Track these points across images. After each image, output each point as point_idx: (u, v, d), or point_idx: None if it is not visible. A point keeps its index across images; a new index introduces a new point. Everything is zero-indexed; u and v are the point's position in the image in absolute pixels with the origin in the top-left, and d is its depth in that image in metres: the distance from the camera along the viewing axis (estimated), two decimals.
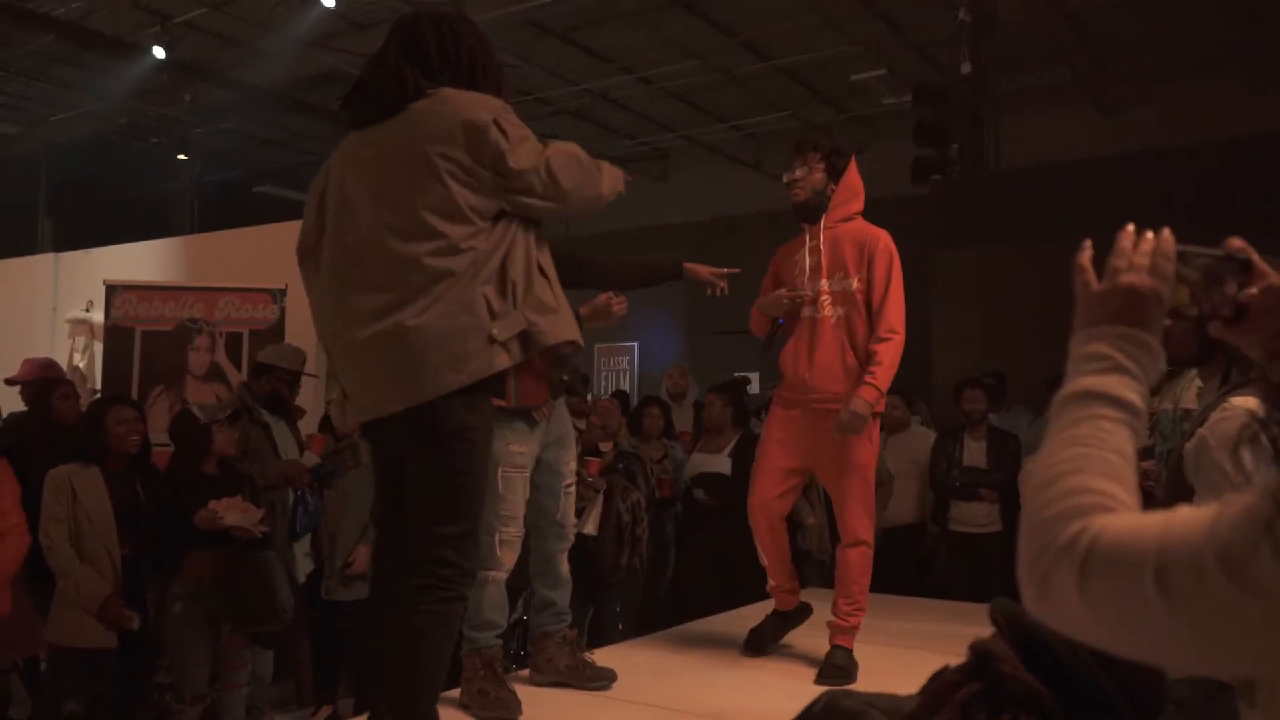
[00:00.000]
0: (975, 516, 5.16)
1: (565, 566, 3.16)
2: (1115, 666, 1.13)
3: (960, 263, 7.56)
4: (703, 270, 3.30)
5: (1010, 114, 10.08)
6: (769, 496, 3.36)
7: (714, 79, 11.60)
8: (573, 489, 3.16)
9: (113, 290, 5.61)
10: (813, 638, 3.47)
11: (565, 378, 3.15)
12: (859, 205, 3.34)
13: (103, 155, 13.82)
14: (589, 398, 5.35)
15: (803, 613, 3.49)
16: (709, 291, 3.30)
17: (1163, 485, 2.67)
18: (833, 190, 3.30)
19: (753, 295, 3.53)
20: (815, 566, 4.95)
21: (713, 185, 13.93)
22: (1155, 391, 3.67)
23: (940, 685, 1.20)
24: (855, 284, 3.21)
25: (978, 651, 1.17)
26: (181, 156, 14.09)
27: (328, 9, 9.53)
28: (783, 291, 3.31)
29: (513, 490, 2.93)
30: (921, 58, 10.60)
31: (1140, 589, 0.77)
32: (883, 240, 3.24)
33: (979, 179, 8.47)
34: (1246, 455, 1.79)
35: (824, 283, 3.24)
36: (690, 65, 11.12)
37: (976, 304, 7.45)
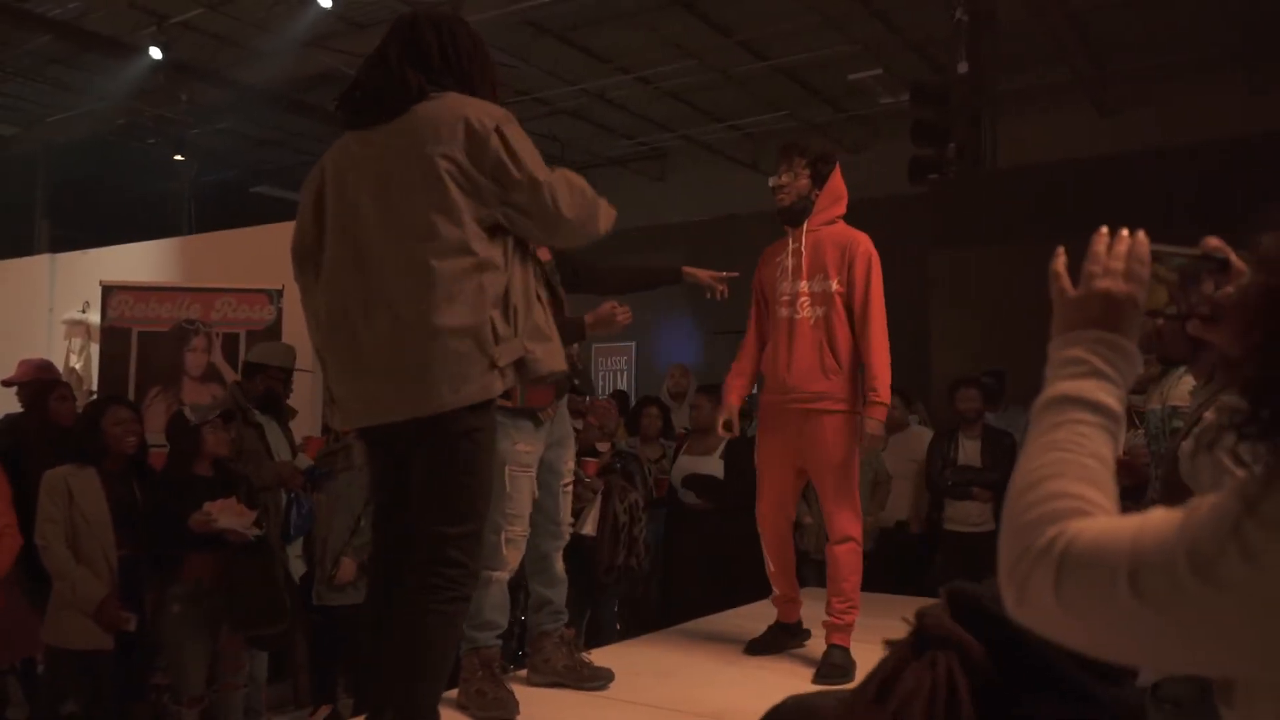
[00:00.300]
0: (969, 515, 5.16)
1: (561, 565, 3.17)
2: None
3: (958, 262, 7.56)
4: (702, 274, 3.31)
5: (1009, 114, 10.09)
6: (775, 504, 3.43)
7: (712, 79, 11.60)
8: (570, 489, 3.18)
9: (109, 291, 5.60)
10: (810, 637, 3.47)
11: (577, 381, 3.16)
12: (842, 210, 3.40)
13: (100, 156, 13.80)
14: (587, 399, 5.34)
15: (803, 631, 3.50)
16: (709, 295, 3.31)
17: (1156, 485, 2.67)
18: (816, 195, 3.36)
19: (748, 294, 3.54)
20: (813, 566, 4.94)
21: (711, 185, 13.92)
22: (1142, 391, 3.69)
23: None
24: (835, 286, 3.27)
25: (917, 615, 1.18)
26: (178, 157, 14.07)
27: (325, 9, 9.51)
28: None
29: (519, 489, 2.93)
30: (919, 57, 10.60)
31: (1114, 591, 0.77)
32: (863, 244, 3.30)
33: (977, 179, 8.47)
34: (1247, 455, 1.79)
35: (803, 284, 3.29)
36: (688, 65, 11.11)
37: (974, 303, 7.45)
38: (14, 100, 12.70)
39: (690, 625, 3.98)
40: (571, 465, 3.19)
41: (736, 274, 3.32)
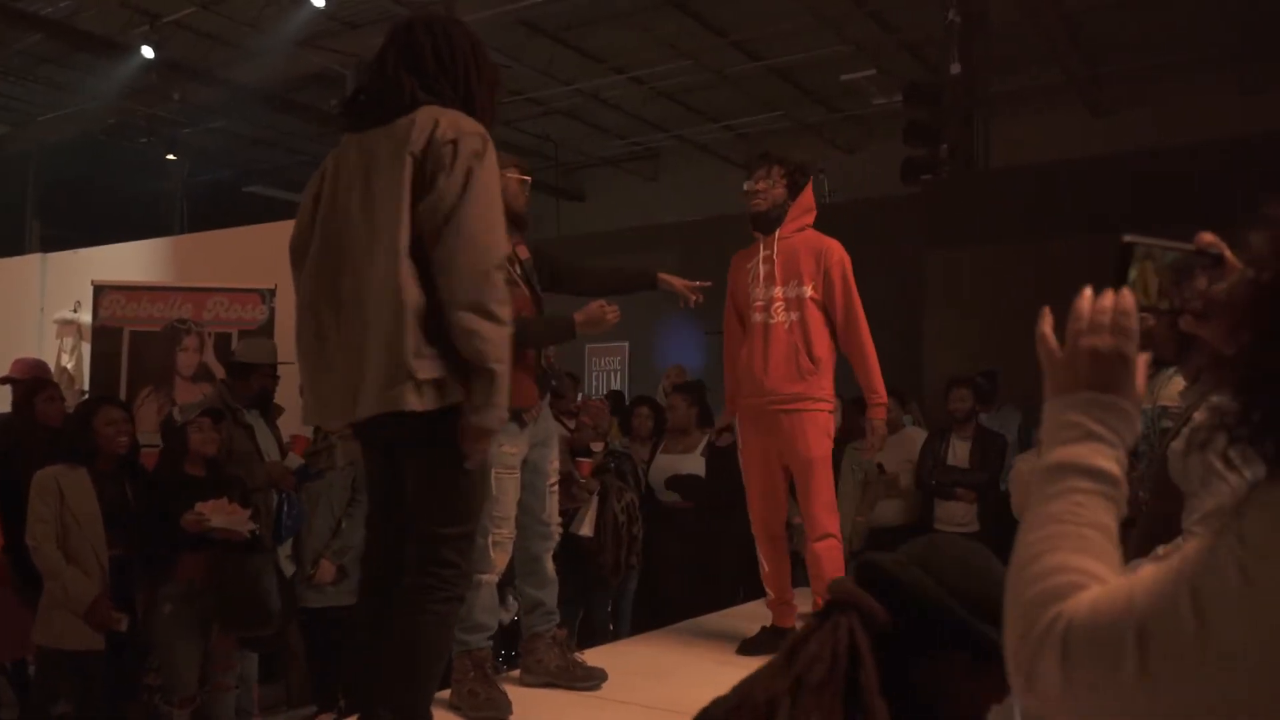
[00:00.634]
0: (955, 516, 5.18)
1: (551, 566, 3.17)
2: (971, 596, 1.16)
3: (951, 262, 7.57)
4: (677, 282, 3.30)
5: (1001, 114, 10.12)
6: (766, 505, 3.48)
7: (705, 79, 11.61)
8: (556, 488, 3.19)
9: (100, 290, 5.58)
10: None
11: (554, 383, 3.16)
12: (811, 219, 3.48)
13: (91, 155, 13.76)
14: (579, 397, 5.34)
15: None
16: (682, 304, 3.31)
17: (1146, 485, 2.67)
18: (789, 205, 3.42)
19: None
20: (804, 567, 4.94)
21: (704, 185, 13.92)
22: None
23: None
24: (810, 291, 3.34)
25: (828, 585, 1.23)
26: (170, 156, 14.04)
27: (317, 8, 9.50)
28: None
29: (505, 491, 2.94)
30: (913, 58, 10.62)
31: (1123, 655, 0.75)
32: (837, 250, 3.38)
33: (970, 179, 8.49)
34: (1238, 454, 1.79)
35: (777, 289, 3.36)
36: (682, 65, 11.12)
37: (967, 303, 7.46)
38: (5, 99, 12.67)
39: (684, 626, 3.98)
40: (556, 465, 3.20)
41: (710, 284, 3.33)
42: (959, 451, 5.25)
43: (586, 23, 10.25)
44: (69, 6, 9.90)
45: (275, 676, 4.75)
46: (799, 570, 4.71)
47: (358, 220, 2.27)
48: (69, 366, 6.99)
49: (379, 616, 2.37)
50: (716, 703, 1.26)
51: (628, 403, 6.47)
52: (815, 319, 3.35)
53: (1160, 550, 1.94)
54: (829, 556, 3.34)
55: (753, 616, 3.76)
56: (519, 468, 2.99)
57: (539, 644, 3.11)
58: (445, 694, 2.87)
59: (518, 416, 2.95)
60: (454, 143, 2.19)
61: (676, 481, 5.06)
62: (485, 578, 2.91)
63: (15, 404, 4.84)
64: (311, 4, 9.42)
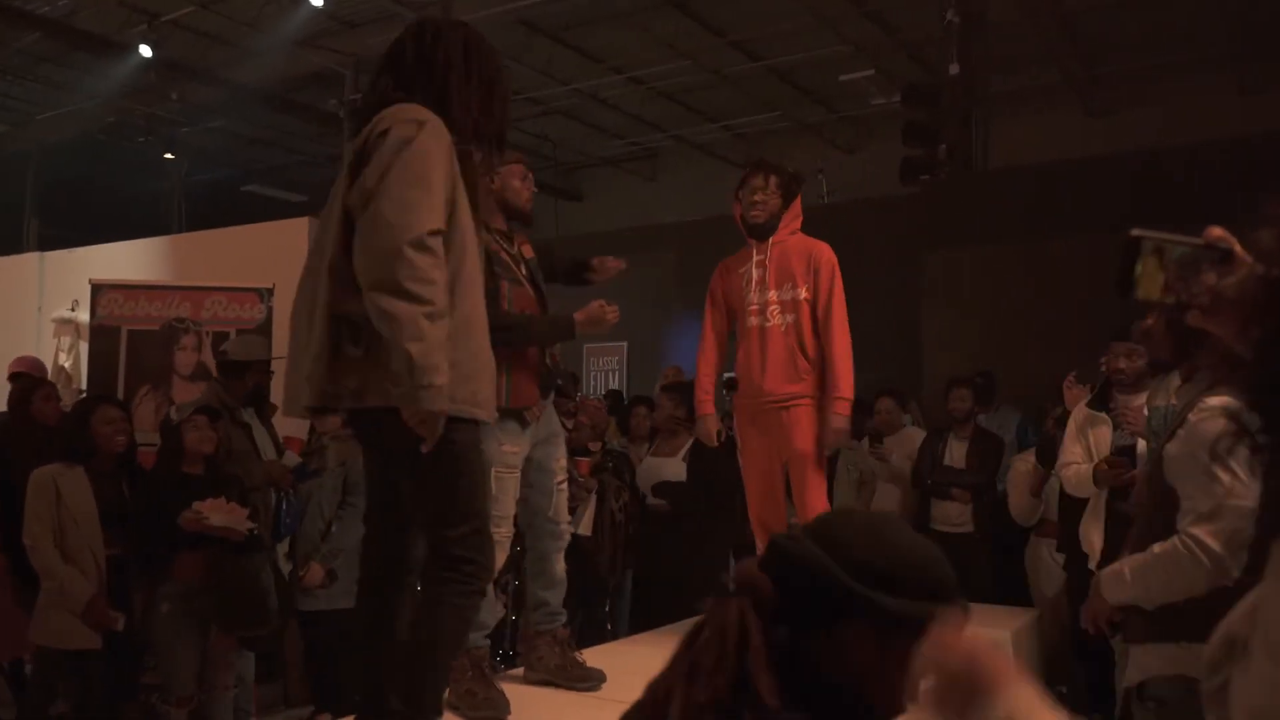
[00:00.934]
0: (950, 516, 5.18)
1: (561, 566, 3.16)
2: (869, 565, 1.15)
3: (950, 263, 7.57)
4: (593, 310, 3.14)
5: (1001, 115, 10.12)
6: (767, 503, 3.52)
7: (705, 79, 11.61)
8: (564, 486, 3.16)
9: (98, 289, 5.57)
10: None
11: (560, 381, 3.15)
12: (799, 224, 3.56)
13: (90, 154, 13.75)
14: (578, 397, 5.33)
15: None
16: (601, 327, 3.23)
17: (1145, 484, 2.67)
18: (783, 213, 3.51)
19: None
20: None
21: (703, 185, 13.91)
22: (1130, 383, 3.70)
23: None
24: (803, 293, 3.41)
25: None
26: (169, 156, 14.04)
27: (316, 7, 9.49)
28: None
29: (505, 490, 2.94)
30: (911, 58, 10.62)
31: None
32: (826, 253, 3.45)
33: (968, 179, 8.49)
34: (1231, 455, 1.79)
35: (772, 293, 3.43)
36: (681, 65, 11.12)
37: (966, 304, 7.46)
38: (3, 98, 12.65)
39: (681, 626, 3.97)
40: (563, 463, 3.18)
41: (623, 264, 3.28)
42: (956, 452, 5.26)
43: (585, 23, 10.25)
44: (67, 5, 9.89)
45: (273, 676, 4.75)
46: None
47: (322, 224, 2.30)
48: (67, 365, 6.99)
49: (378, 616, 2.37)
50: (634, 707, 1.25)
51: (626, 403, 6.47)
52: (809, 320, 3.42)
53: (1155, 548, 1.94)
54: None
55: None
56: (520, 467, 2.99)
57: (541, 642, 3.11)
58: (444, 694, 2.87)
59: (518, 416, 2.95)
60: (385, 133, 2.16)
61: (660, 488, 5.01)
62: None
63: (11, 403, 4.83)
64: (310, 3, 9.41)
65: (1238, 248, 0.99)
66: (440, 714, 2.31)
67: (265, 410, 4.46)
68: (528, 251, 3.16)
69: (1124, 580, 2.01)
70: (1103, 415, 3.76)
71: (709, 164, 14.03)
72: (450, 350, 2.13)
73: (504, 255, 3.03)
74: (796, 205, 3.54)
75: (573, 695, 3.00)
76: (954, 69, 8.57)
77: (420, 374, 2.03)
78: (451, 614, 2.24)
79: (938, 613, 1.13)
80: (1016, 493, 4.73)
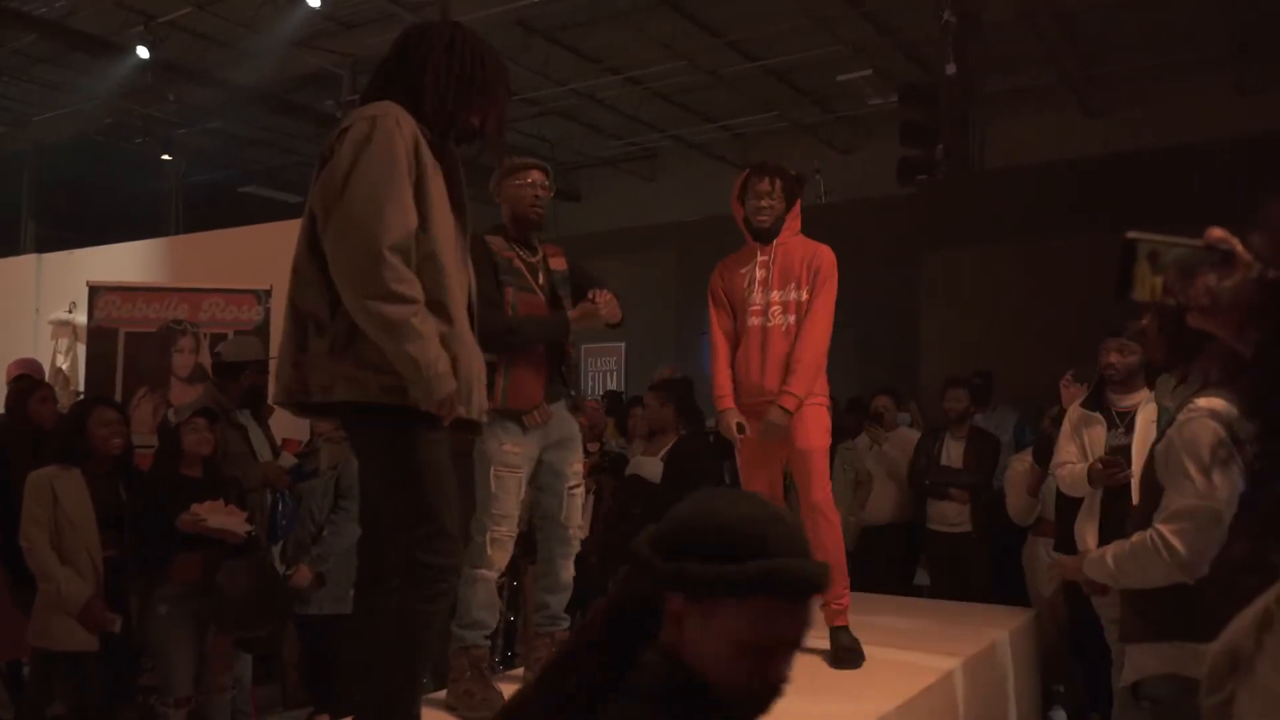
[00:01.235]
0: (947, 515, 5.19)
1: (568, 572, 3.15)
2: (682, 536, 1.12)
3: (947, 263, 7.58)
4: (585, 307, 3.15)
5: (998, 115, 10.13)
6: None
7: (702, 79, 11.62)
8: (577, 491, 3.14)
9: (96, 291, 5.57)
10: None
11: (573, 392, 3.14)
12: (799, 225, 3.58)
13: (87, 155, 13.75)
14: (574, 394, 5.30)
15: None
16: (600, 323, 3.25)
17: (1142, 482, 2.69)
18: (786, 215, 3.53)
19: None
20: None
21: (701, 185, 13.92)
22: (1125, 381, 3.71)
23: None
24: (805, 295, 3.42)
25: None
26: (166, 157, 14.03)
27: (313, 9, 9.50)
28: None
29: (505, 489, 2.93)
30: (908, 59, 10.64)
31: None
32: (827, 255, 3.47)
33: (966, 179, 8.50)
34: (1209, 459, 1.82)
35: (775, 294, 3.43)
36: (678, 66, 11.13)
37: (964, 304, 7.47)
38: (1, 99, 12.64)
39: None
40: (578, 468, 3.17)
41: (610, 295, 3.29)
42: (953, 452, 5.26)
43: (583, 23, 10.26)
44: (64, 7, 9.89)
45: (270, 677, 4.75)
46: None
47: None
48: (64, 367, 6.98)
49: (374, 618, 2.36)
50: None
51: (624, 403, 6.47)
52: None
53: (1134, 538, 1.98)
54: (833, 545, 3.39)
55: None
56: (524, 467, 2.98)
57: (540, 644, 3.12)
58: (442, 693, 2.87)
59: (517, 417, 2.94)
60: (345, 131, 2.15)
61: (631, 483, 4.94)
62: (481, 573, 2.91)
63: (9, 405, 4.83)
64: (308, 4, 9.42)
65: (1239, 249, 0.99)
66: (414, 718, 2.27)
67: (261, 411, 4.45)
68: (558, 264, 3.16)
69: (1105, 564, 2.07)
70: (1097, 415, 3.77)
71: (707, 164, 14.04)
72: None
73: (517, 262, 3.04)
74: (797, 207, 3.57)
75: None
76: (951, 69, 8.58)
77: (427, 367, 2.09)
78: (412, 618, 2.20)
79: (765, 574, 1.06)
80: (1013, 492, 4.73)
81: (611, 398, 7.16)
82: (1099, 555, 2.10)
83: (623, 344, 10.42)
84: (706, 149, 13.89)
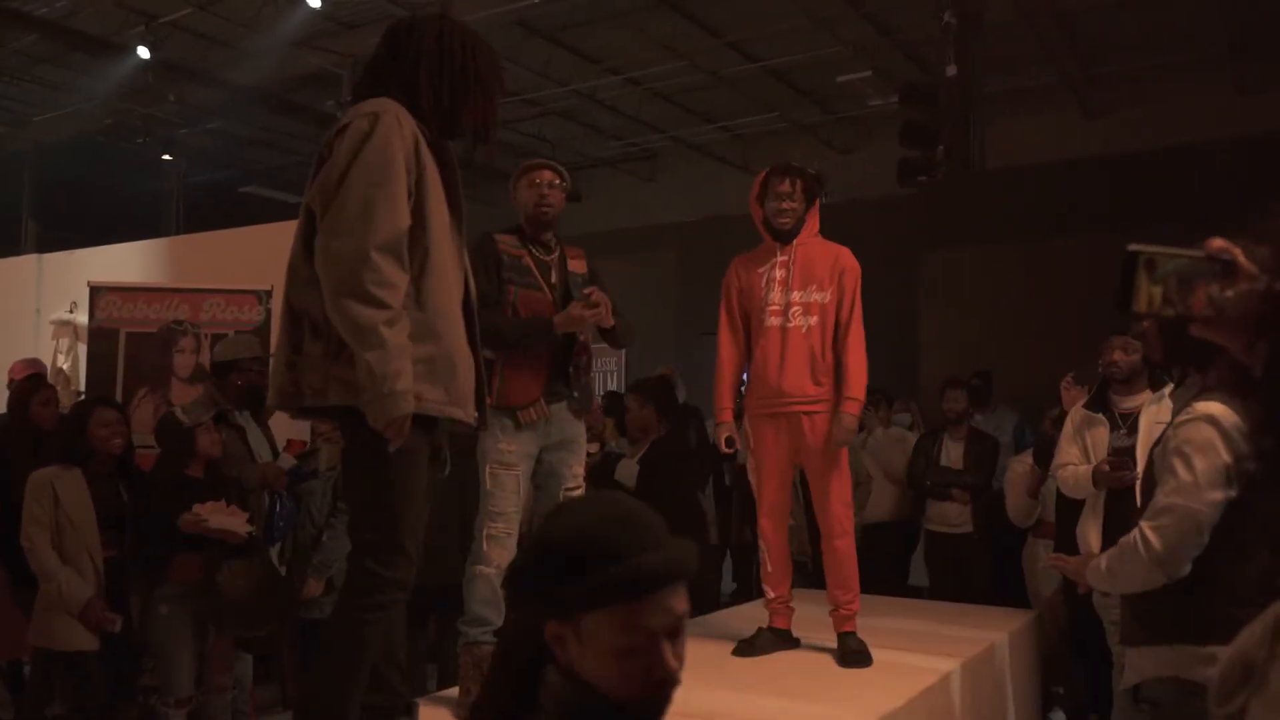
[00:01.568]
0: (948, 516, 5.20)
1: None
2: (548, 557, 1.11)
3: (947, 263, 7.59)
4: (571, 311, 3.11)
5: (998, 115, 10.13)
6: (779, 508, 3.50)
7: (702, 80, 11.62)
8: (576, 493, 3.12)
9: (97, 292, 5.57)
10: (800, 645, 3.50)
11: (576, 394, 3.12)
12: (818, 225, 3.57)
13: (87, 155, 13.75)
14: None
15: (792, 640, 3.53)
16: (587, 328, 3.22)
17: (1141, 486, 2.70)
18: (806, 215, 3.51)
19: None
20: (797, 568, 4.94)
21: (701, 186, 13.94)
22: (1125, 380, 3.72)
23: None
24: (828, 297, 3.40)
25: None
26: (167, 157, 14.04)
27: (313, 9, 9.50)
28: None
29: (501, 487, 2.94)
30: (908, 59, 10.64)
31: None
32: (851, 260, 3.47)
33: (966, 180, 8.50)
34: (1198, 461, 1.83)
35: (795, 294, 3.40)
36: (678, 66, 11.13)
37: (964, 304, 7.48)
38: (1, 99, 12.66)
39: None
40: (578, 470, 3.15)
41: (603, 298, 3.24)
42: (952, 452, 5.27)
43: (583, 23, 10.26)
44: (65, 7, 9.89)
45: (270, 678, 4.75)
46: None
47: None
48: (65, 367, 6.98)
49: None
50: None
51: (624, 404, 6.47)
52: (829, 324, 3.41)
53: (1121, 541, 2.00)
54: (848, 552, 3.42)
55: (748, 618, 3.77)
56: (520, 466, 2.97)
57: None
58: (453, 691, 2.89)
59: (513, 414, 2.94)
60: (344, 128, 2.13)
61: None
62: (481, 570, 2.91)
63: (11, 405, 4.83)
64: (308, 4, 9.42)
65: (1240, 259, 0.99)
66: None
67: (261, 412, 4.44)
68: (578, 266, 3.14)
69: (1100, 571, 2.07)
70: (1100, 416, 3.77)
71: (707, 164, 14.05)
72: (417, 349, 2.11)
73: (527, 260, 3.03)
74: (816, 207, 3.54)
75: None
76: (951, 70, 8.58)
77: (381, 381, 2.02)
78: (348, 624, 2.15)
79: (609, 575, 1.06)
80: (1013, 494, 4.74)
81: (611, 398, 7.16)
82: (1098, 563, 2.11)
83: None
84: (706, 149, 13.89)
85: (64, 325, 7.16)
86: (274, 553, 4.33)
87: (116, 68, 10.60)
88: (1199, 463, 1.84)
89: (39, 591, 3.63)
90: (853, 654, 3.30)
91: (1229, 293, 0.97)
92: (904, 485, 5.59)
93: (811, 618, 3.58)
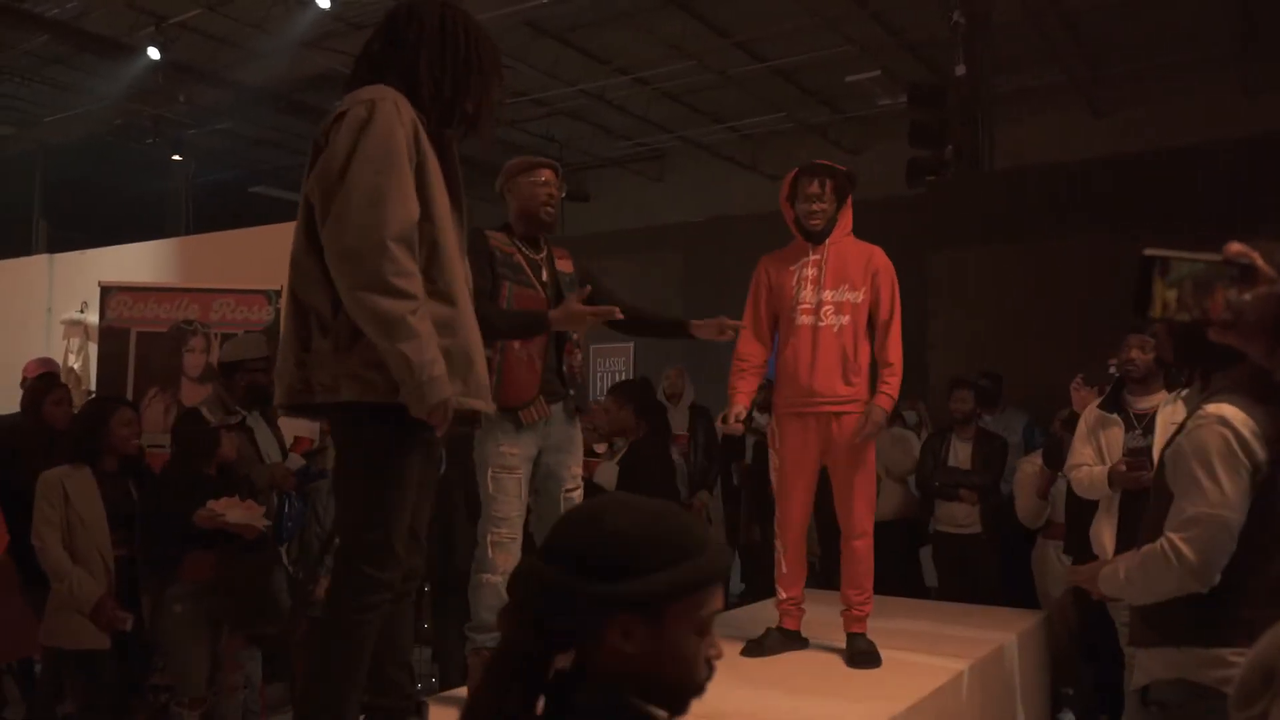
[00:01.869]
0: (956, 516, 5.19)
1: None
2: (587, 555, 1.14)
3: (955, 263, 7.57)
4: (710, 325, 3.20)
5: (1006, 115, 10.12)
6: (801, 507, 3.49)
7: (710, 80, 11.62)
8: (575, 494, 3.11)
9: (107, 291, 5.60)
10: (808, 646, 3.50)
11: (572, 390, 3.12)
12: (850, 224, 3.53)
13: (97, 156, 13.80)
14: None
15: (801, 640, 3.52)
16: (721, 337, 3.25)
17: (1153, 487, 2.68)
18: (838, 213, 3.48)
19: (746, 295, 3.56)
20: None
21: (709, 186, 13.94)
22: (1142, 380, 3.70)
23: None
24: (860, 297, 3.37)
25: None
26: (176, 157, 14.09)
27: (323, 10, 9.53)
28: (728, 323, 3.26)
29: (503, 491, 2.92)
30: (916, 59, 10.62)
31: None
32: (885, 260, 3.45)
33: (974, 180, 8.48)
34: (1221, 468, 1.80)
35: (827, 293, 3.37)
36: (686, 66, 11.13)
37: (971, 305, 7.46)
38: (12, 100, 12.71)
39: None
40: (577, 471, 3.14)
41: (744, 325, 3.36)
42: (960, 453, 5.26)
43: (591, 24, 10.27)
44: (75, 8, 9.93)
45: (279, 677, 4.77)
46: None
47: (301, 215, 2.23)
48: (76, 367, 7.02)
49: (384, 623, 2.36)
50: None
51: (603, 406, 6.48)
52: (861, 324, 3.39)
53: (1144, 550, 1.96)
54: (866, 554, 3.43)
55: (756, 619, 3.77)
56: (522, 469, 2.96)
57: None
58: (462, 690, 2.90)
59: (514, 415, 2.92)
60: (341, 116, 2.07)
61: (590, 491, 4.83)
62: (486, 577, 2.92)
63: (25, 404, 4.85)
64: (317, 5, 9.45)
65: (1260, 263, 0.98)
66: None
67: (270, 411, 4.45)
68: (565, 266, 3.12)
69: (1118, 578, 2.03)
70: (1114, 416, 3.76)
71: (715, 165, 14.04)
72: (439, 338, 2.07)
73: (518, 258, 3.01)
74: (849, 205, 3.50)
75: None
76: (960, 69, 8.57)
77: (420, 370, 1.99)
78: (339, 628, 2.11)
79: (688, 570, 1.13)
80: (1023, 495, 4.72)
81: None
82: (1112, 569, 2.08)
83: (631, 344, 10.43)
84: (715, 149, 13.88)
85: (75, 325, 7.19)
86: (283, 553, 4.34)
87: (126, 68, 10.64)
88: (1223, 470, 1.81)
89: (50, 591, 3.65)
90: (861, 655, 3.30)
91: (1248, 296, 0.97)
92: (906, 484, 5.58)
93: (820, 619, 3.58)
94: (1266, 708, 0.86)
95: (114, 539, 3.67)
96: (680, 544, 1.15)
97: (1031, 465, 4.73)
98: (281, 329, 2.25)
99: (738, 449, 6.29)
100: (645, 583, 1.11)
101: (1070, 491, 4.04)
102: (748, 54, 10.91)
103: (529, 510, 3.09)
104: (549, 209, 3.06)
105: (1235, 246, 1.00)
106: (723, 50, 10.77)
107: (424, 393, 2.01)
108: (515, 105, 12.05)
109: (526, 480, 3.00)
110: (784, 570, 3.51)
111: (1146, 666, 2.02)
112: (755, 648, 3.43)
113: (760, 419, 5.56)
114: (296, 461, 4.38)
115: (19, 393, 5.21)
